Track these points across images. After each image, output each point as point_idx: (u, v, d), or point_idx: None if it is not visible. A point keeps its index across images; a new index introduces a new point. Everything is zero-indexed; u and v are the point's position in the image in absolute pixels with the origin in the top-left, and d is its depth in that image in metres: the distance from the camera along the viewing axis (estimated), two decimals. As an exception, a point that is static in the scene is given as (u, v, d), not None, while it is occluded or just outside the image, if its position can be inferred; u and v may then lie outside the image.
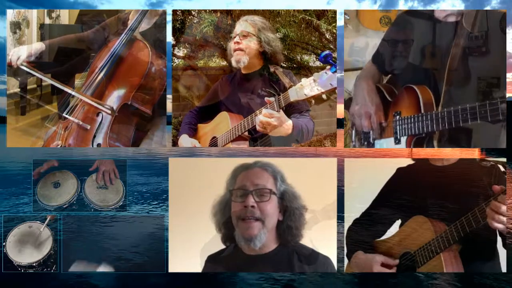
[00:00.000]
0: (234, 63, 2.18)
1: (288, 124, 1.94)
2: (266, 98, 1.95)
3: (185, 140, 2.28)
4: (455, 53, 1.94)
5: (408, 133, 1.97)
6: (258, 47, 2.13)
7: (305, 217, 1.78)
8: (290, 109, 2.00)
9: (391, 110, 2.05)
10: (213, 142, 2.23)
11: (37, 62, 2.21)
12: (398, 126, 2.01)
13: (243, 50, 2.12)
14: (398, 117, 2.01)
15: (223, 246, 1.81)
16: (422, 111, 1.92)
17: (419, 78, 1.99)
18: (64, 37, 2.30)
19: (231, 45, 2.17)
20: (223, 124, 2.19)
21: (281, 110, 1.90)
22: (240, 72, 2.25)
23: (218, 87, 2.35)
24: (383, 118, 2.06)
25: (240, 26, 2.16)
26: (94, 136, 2.11)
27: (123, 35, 2.20)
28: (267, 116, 1.89)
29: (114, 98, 2.15)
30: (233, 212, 1.72)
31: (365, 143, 2.13)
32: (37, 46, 2.25)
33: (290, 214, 1.73)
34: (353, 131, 2.18)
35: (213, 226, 1.78)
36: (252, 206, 1.67)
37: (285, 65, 2.22)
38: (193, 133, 2.33)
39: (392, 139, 2.04)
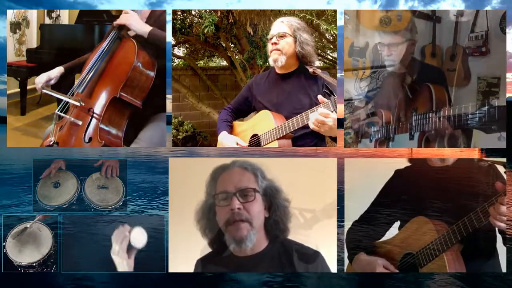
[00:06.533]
0: (271, 63, 2.18)
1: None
2: (320, 97, 1.92)
3: (226, 137, 2.28)
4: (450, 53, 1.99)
5: (420, 129, 1.99)
6: (294, 47, 2.13)
7: (290, 210, 1.75)
8: None
9: (410, 107, 2.07)
10: (255, 140, 2.24)
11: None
12: (413, 122, 2.02)
13: (280, 50, 2.12)
14: (414, 113, 2.02)
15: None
16: (434, 108, 1.93)
17: (435, 76, 2.03)
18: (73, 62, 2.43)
19: (268, 46, 2.19)
20: (265, 122, 2.18)
21: (335, 111, 1.89)
22: (274, 71, 2.25)
23: (252, 85, 2.36)
24: (402, 113, 2.07)
25: (277, 27, 2.17)
26: (86, 131, 2.14)
27: (111, 34, 2.26)
28: (323, 116, 1.86)
29: (103, 95, 2.18)
30: (219, 218, 1.68)
31: (383, 137, 2.15)
32: (56, 71, 2.35)
33: (275, 209, 1.70)
34: (371, 127, 2.19)
35: (198, 232, 1.76)
36: (239, 208, 1.63)
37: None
38: (230, 130, 2.35)
39: (407, 135, 2.05)
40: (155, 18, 2.30)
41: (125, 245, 1.99)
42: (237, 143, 2.23)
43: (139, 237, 2.02)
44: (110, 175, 2.21)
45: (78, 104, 2.15)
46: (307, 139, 2.10)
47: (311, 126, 1.91)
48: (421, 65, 2.09)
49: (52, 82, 2.31)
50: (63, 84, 2.36)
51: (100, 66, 2.22)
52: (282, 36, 2.12)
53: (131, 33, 2.28)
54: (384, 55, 2.13)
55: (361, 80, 2.20)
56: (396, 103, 2.11)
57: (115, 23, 2.26)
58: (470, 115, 1.76)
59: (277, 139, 2.11)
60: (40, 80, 2.29)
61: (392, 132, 2.11)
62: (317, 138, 2.10)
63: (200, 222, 1.75)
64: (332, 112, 1.87)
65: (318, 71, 2.05)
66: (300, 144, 2.12)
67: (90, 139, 2.13)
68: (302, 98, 2.11)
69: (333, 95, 1.90)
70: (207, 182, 1.76)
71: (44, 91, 2.27)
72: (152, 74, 2.21)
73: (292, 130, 2.06)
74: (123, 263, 1.98)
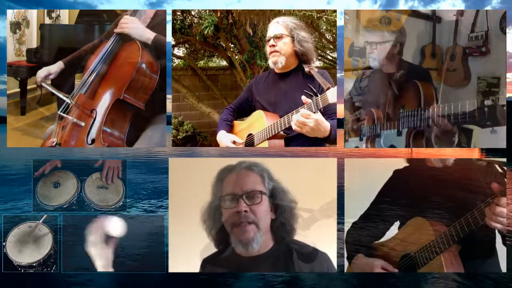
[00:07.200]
0: (271, 65, 2.18)
1: (325, 126, 1.89)
2: (303, 98, 1.92)
3: (223, 136, 2.29)
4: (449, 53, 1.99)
5: (408, 125, 1.99)
6: (293, 47, 2.12)
7: (296, 212, 1.75)
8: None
9: (398, 104, 2.07)
10: (250, 139, 2.25)
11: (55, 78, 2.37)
12: (401, 119, 2.02)
13: (278, 52, 2.13)
14: (401, 110, 2.03)
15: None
16: (422, 106, 1.93)
17: (422, 76, 2.02)
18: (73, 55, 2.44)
19: (266, 48, 2.19)
20: (259, 122, 2.20)
21: (318, 111, 1.88)
22: (273, 71, 2.26)
23: (252, 85, 2.38)
24: (390, 110, 2.07)
25: (273, 28, 2.17)
26: (89, 133, 2.13)
27: (113, 36, 2.25)
28: (304, 117, 1.86)
29: (107, 96, 2.18)
30: (225, 219, 1.67)
31: (372, 134, 2.15)
32: (55, 67, 2.37)
33: (282, 211, 1.69)
34: (363, 125, 2.19)
35: (204, 232, 1.75)
36: (245, 211, 1.62)
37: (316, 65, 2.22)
38: (230, 129, 2.36)
39: (395, 131, 2.05)
40: (158, 19, 2.29)
41: (102, 235, 1.99)
42: (234, 141, 2.24)
43: (115, 225, 2.02)
44: (110, 180, 2.21)
45: (68, 101, 2.16)
46: (301, 139, 2.09)
47: (293, 127, 1.91)
48: (408, 65, 2.09)
49: (52, 76, 2.32)
50: (64, 85, 2.36)
51: (102, 68, 2.21)
52: (279, 37, 2.13)
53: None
54: (367, 52, 2.13)
55: (361, 80, 2.20)
56: (384, 101, 2.11)
57: (115, 31, 2.25)
58: (459, 111, 1.76)
59: (268, 139, 2.11)
60: (40, 75, 2.30)
61: (379, 129, 2.12)
62: (312, 139, 2.09)
63: (206, 222, 1.75)
64: (314, 113, 1.86)
65: (314, 71, 2.05)
66: (295, 145, 2.12)
67: (93, 140, 2.13)
68: (298, 97, 2.11)
69: (316, 95, 1.88)
70: (213, 183, 1.75)
71: (44, 85, 2.28)
72: (156, 76, 2.20)
73: (280, 131, 2.06)
74: (100, 255, 1.98)
